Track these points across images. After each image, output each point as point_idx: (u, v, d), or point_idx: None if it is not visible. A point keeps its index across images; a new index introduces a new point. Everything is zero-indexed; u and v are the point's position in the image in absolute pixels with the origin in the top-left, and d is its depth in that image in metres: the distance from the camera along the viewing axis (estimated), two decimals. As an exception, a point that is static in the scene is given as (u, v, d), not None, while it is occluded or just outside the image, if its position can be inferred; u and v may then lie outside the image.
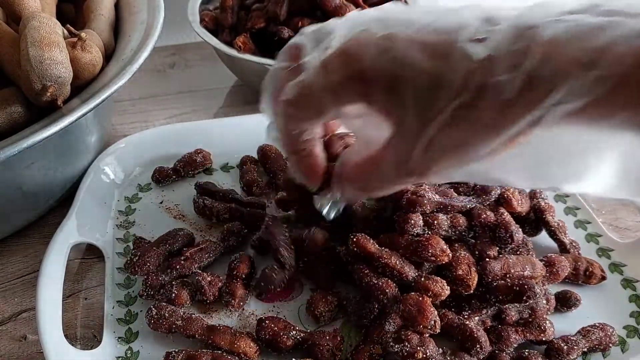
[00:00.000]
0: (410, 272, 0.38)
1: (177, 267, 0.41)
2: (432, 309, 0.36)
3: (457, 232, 0.40)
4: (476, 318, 0.38)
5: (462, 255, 0.38)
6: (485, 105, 0.26)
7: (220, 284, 0.41)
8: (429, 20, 0.28)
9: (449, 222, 0.40)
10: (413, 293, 0.36)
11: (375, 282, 0.37)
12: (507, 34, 0.26)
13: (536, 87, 0.25)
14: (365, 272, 0.38)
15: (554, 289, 0.41)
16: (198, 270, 0.41)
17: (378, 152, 0.32)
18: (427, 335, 0.36)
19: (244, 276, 0.41)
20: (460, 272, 0.37)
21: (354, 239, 0.38)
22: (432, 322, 0.35)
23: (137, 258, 0.41)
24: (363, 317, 0.38)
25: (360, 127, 0.34)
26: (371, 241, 0.39)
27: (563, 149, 0.28)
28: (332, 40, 0.31)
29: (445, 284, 0.37)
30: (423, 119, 0.28)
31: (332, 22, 0.32)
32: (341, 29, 0.31)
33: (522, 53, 0.25)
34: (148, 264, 0.41)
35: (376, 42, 0.29)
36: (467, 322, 0.37)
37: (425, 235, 0.39)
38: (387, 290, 0.37)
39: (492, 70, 0.26)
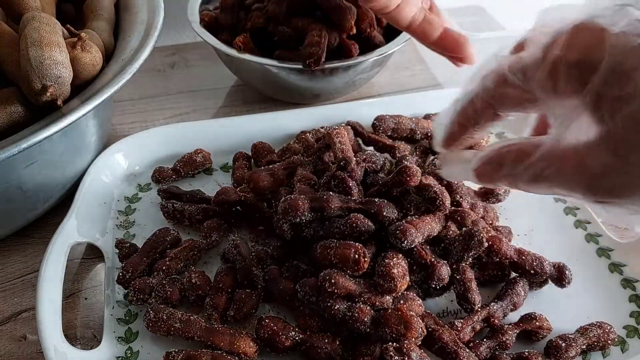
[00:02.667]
0: (389, 299, 0.38)
1: (164, 268, 0.41)
2: (415, 319, 0.36)
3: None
4: (468, 328, 0.38)
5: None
6: None
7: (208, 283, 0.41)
8: None
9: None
10: (390, 311, 0.36)
11: (350, 314, 0.36)
12: None
13: None
14: (336, 307, 0.36)
15: (554, 289, 0.41)
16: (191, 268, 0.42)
17: (568, 150, 0.27)
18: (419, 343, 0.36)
19: (229, 290, 0.40)
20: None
21: (332, 280, 0.36)
22: (420, 330, 0.36)
23: (129, 274, 0.41)
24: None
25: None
26: (347, 277, 0.37)
27: None
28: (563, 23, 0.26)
29: (420, 301, 0.38)
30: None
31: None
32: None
33: None
34: (137, 274, 0.42)
35: (631, 22, 0.24)
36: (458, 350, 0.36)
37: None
38: (365, 320, 0.36)
39: None
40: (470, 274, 0.39)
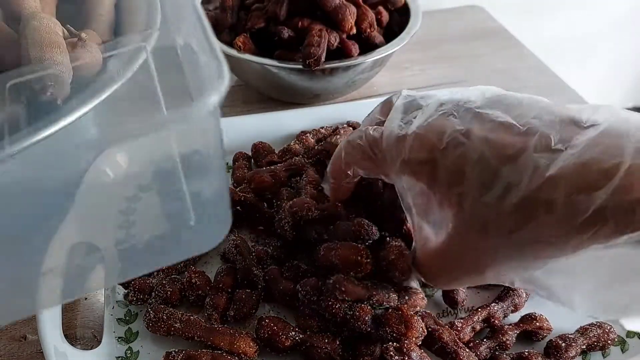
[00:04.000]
0: (394, 297, 0.38)
1: (163, 267, 0.41)
2: (415, 319, 0.36)
3: None
4: (468, 328, 0.38)
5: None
6: (547, 222, 0.26)
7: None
8: (515, 114, 0.29)
9: None
10: (391, 310, 0.36)
11: (351, 313, 0.36)
12: (586, 150, 0.25)
13: (609, 219, 0.24)
14: (336, 307, 0.36)
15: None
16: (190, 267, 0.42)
17: (443, 245, 0.32)
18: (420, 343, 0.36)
19: (229, 290, 0.40)
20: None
21: (342, 288, 0.37)
22: (420, 330, 0.36)
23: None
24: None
25: (422, 207, 0.34)
26: (355, 282, 0.37)
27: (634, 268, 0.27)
28: (416, 119, 0.32)
29: (424, 294, 0.38)
30: (481, 222, 0.28)
31: (427, 95, 0.34)
32: (429, 108, 0.32)
33: (597, 180, 0.24)
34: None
35: (452, 134, 0.29)
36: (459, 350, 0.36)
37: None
38: (366, 319, 0.36)
39: (556, 188, 0.25)
40: None
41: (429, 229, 0.33)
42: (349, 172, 0.38)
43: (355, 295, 0.37)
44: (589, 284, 0.29)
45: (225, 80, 0.23)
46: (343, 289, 0.36)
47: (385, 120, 0.35)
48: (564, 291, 0.30)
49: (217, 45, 0.24)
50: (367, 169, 0.37)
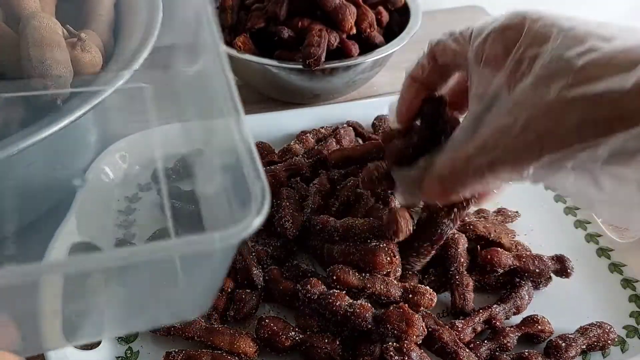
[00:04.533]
0: (396, 291, 0.38)
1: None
2: (416, 317, 0.36)
3: None
4: (468, 329, 0.38)
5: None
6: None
7: None
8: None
9: None
10: (392, 308, 0.36)
11: (351, 310, 0.36)
12: None
13: None
14: (337, 304, 0.36)
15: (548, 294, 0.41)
16: None
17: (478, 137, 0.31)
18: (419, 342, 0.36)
19: (229, 290, 0.40)
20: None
21: (334, 276, 0.38)
22: (421, 329, 0.36)
23: None
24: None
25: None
26: (351, 272, 0.38)
27: None
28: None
29: (432, 291, 0.38)
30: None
31: None
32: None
33: None
34: None
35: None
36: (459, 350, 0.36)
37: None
38: (366, 316, 0.36)
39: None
40: (467, 278, 0.40)
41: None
42: (433, 66, 0.38)
43: (349, 285, 0.37)
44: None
45: (266, 205, 0.23)
46: (335, 277, 0.37)
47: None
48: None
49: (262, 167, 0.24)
50: (450, 55, 0.36)
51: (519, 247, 0.43)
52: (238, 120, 0.25)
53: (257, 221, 0.22)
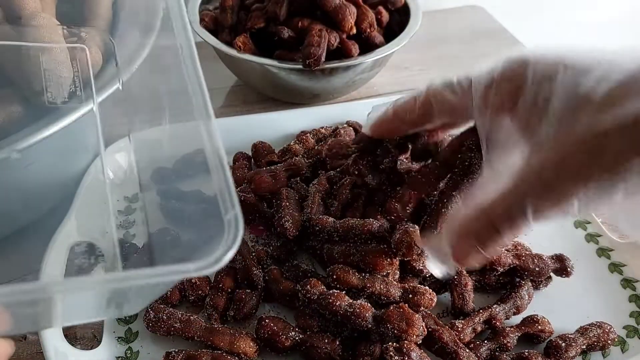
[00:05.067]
0: (396, 291, 0.38)
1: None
2: (417, 316, 0.36)
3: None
4: (468, 329, 0.38)
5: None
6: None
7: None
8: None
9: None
10: (392, 308, 0.36)
11: (351, 310, 0.36)
12: None
13: None
14: (337, 304, 0.36)
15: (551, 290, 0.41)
16: None
17: (504, 185, 0.30)
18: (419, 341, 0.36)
19: (229, 290, 0.40)
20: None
21: (334, 276, 0.38)
22: (421, 329, 0.36)
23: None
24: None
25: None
26: (350, 272, 0.38)
27: None
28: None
29: (431, 291, 0.38)
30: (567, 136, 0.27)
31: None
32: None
33: None
34: None
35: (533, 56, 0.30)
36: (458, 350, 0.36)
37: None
38: (366, 315, 0.36)
39: None
40: (466, 279, 0.40)
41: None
42: (426, 110, 0.37)
43: (349, 284, 0.37)
44: None
45: (239, 237, 0.23)
46: (335, 276, 0.38)
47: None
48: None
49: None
50: (449, 106, 0.35)
51: (519, 247, 0.43)
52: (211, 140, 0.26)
53: (229, 255, 0.23)
